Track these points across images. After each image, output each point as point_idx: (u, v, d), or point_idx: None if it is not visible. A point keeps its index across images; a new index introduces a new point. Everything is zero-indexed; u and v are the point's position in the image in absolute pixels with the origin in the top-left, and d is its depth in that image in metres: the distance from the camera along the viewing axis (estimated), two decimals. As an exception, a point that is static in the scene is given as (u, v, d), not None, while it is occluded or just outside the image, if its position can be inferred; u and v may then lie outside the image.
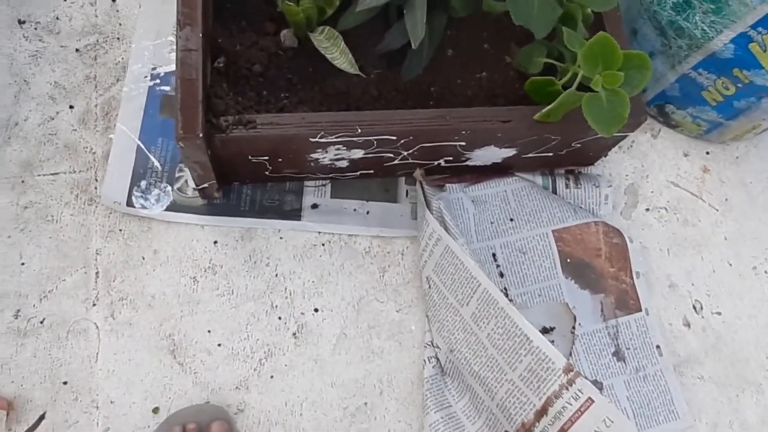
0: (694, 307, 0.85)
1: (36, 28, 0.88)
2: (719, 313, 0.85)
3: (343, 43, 0.73)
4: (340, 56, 0.73)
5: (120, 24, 0.90)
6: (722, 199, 0.91)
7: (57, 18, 0.90)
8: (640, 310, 0.81)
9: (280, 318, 0.79)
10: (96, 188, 0.82)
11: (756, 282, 0.87)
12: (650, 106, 0.91)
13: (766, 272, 0.87)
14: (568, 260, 0.81)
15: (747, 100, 0.80)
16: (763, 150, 0.94)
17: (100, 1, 0.91)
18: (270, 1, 0.77)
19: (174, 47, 0.84)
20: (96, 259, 0.79)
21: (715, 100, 0.83)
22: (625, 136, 0.78)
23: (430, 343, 0.78)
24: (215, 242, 0.81)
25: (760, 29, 0.71)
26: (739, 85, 0.79)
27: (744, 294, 0.86)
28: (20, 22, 0.88)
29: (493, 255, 0.81)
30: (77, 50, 0.88)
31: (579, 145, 0.79)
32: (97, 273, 0.78)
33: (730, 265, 0.87)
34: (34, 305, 0.76)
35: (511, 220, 0.83)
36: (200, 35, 0.68)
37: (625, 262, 0.83)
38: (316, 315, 0.79)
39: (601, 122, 0.66)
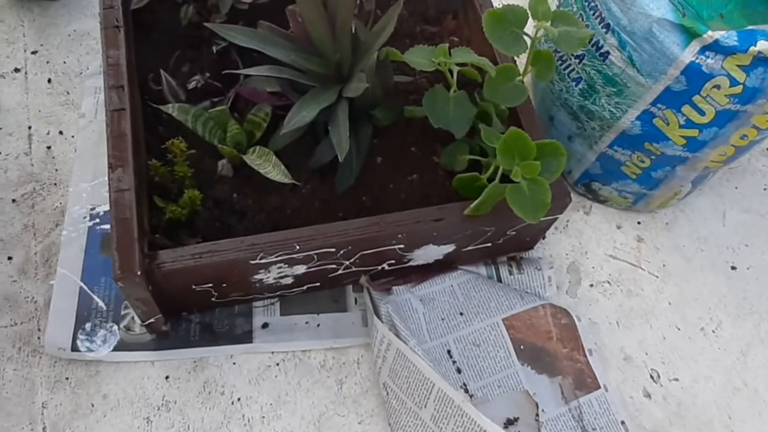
0: (652, 377, 0.85)
1: (-31, 185, 0.89)
2: (677, 379, 0.85)
3: (275, 157, 0.75)
4: (273, 169, 0.75)
5: (56, 170, 0.91)
6: (660, 265, 0.93)
7: (-9, 172, 0.90)
8: (599, 387, 0.81)
9: (241, 447, 0.76)
10: (39, 338, 0.80)
11: (706, 342, 0.88)
12: (578, 185, 0.95)
13: (713, 332, 0.89)
14: (522, 347, 0.82)
15: (663, 170, 0.85)
16: (689, 213, 0.98)
17: (36, 149, 0.93)
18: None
19: (109, 187, 0.85)
20: (42, 413, 0.76)
21: (634, 173, 0.87)
22: (555, 219, 0.81)
23: (397, 452, 0.77)
24: (167, 377, 0.79)
25: (659, 105, 0.76)
26: (653, 157, 0.83)
27: (697, 356, 0.87)
28: (-47, 181, 0.89)
29: (448, 351, 0.81)
30: (14, 200, 0.88)
31: (514, 233, 0.82)
32: (44, 428, 0.75)
33: (679, 329, 0.89)
34: (-21, 471, 0.72)
35: (461, 314, 0.84)
36: (132, 175, 0.70)
37: (576, 341, 0.83)
38: (277, 438, 0.77)
39: (527, 210, 0.68)
